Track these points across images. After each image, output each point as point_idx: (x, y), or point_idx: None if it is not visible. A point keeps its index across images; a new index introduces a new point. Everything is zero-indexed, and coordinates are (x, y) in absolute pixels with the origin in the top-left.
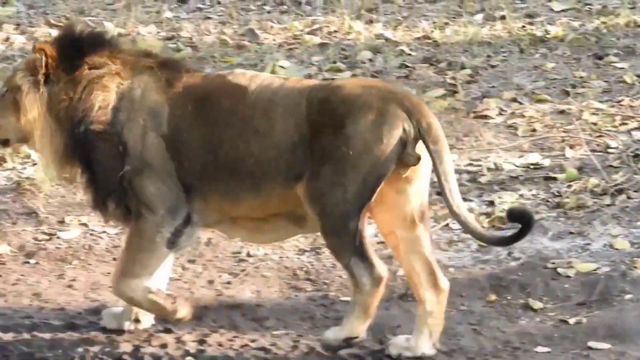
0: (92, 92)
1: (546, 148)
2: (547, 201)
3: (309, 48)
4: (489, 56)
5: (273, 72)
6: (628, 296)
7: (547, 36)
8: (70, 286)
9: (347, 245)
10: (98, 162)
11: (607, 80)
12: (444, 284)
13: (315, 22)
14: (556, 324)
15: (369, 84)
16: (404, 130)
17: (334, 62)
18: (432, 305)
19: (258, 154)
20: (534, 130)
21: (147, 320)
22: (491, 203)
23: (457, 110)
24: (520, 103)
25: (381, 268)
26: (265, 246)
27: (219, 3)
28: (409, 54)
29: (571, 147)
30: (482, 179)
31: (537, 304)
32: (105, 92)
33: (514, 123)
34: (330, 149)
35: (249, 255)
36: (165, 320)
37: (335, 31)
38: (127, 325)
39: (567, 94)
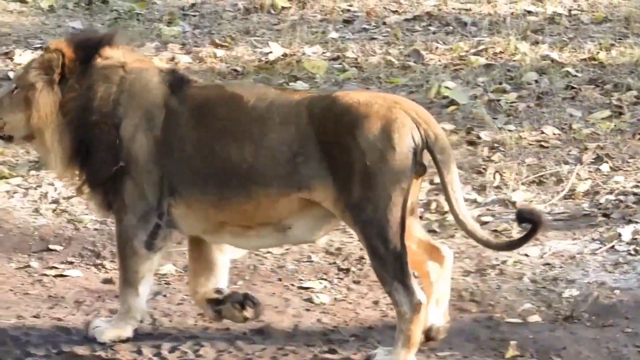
0: (96, 82)
1: None
2: None
3: (474, 69)
4: None
5: (438, 93)
6: None
7: None
8: None
9: (390, 268)
10: (95, 155)
11: None
12: (446, 251)
13: (480, 43)
14: None
15: (374, 94)
16: (414, 139)
17: (500, 83)
18: (436, 273)
19: (252, 161)
20: None
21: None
22: None
23: (622, 132)
24: None
25: (420, 295)
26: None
27: (384, 24)
28: (575, 76)
29: None
30: None
31: None
32: (108, 83)
33: None
34: (343, 160)
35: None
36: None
37: (500, 52)
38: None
39: None
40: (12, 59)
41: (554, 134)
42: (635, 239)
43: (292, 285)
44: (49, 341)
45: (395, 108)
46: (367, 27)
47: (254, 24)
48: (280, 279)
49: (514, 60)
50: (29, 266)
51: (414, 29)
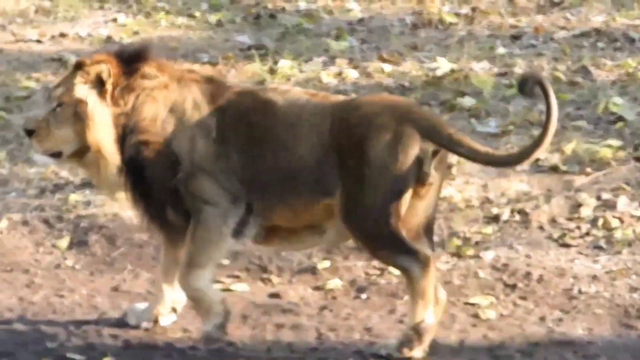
0: (143, 103)
1: None
2: None
3: None
4: None
5: (606, 109)
6: None
7: None
8: (401, 321)
9: (389, 253)
10: (150, 172)
11: None
12: (442, 294)
13: None
14: None
15: (389, 103)
16: (420, 149)
17: None
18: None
19: (285, 168)
20: None
21: (167, 319)
22: None
23: None
24: None
25: (425, 250)
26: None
27: (552, 39)
28: None
29: None
30: None
31: None
32: (154, 104)
33: None
34: (353, 169)
35: (580, 292)
36: None
37: None
38: (145, 325)
39: None
40: None
41: None
42: None
43: (458, 300)
44: (215, 355)
45: (405, 120)
46: (535, 42)
47: (422, 39)
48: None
49: None
50: None
51: (581, 45)
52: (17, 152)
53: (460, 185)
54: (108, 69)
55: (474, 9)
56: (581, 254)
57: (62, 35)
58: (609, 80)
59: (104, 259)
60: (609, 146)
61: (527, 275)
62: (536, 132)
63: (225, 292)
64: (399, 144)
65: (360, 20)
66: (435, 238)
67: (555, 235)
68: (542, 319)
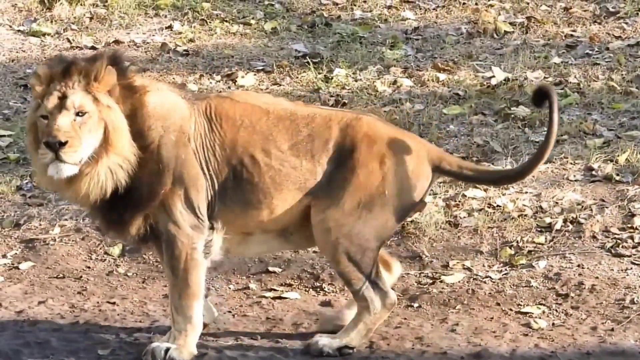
0: (135, 110)
1: None
2: None
3: None
4: None
5: None
6: None
7: None
8: (453, 330)
9: (364, 270)
10: (138, 179)
11: None
12: (395, 263)
13: None
14: None
15: (384, 131)
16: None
17: None
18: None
19: (275, 172)
20: None
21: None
22: None
23: None
24: None
25: (393, 295)
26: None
27: (607, 49)
28: None
29: None
30: None
31: None
32: (142, 109)
33: None
34: (348, 183)
35: (632, 302)
36: None
37: None
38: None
39: None
40: (234, 81)
41: None
42: None
43: (511, 309)
44: None
45: (392, 152)
46: (590, 52)
47: (477, 48)
48: (498, 304)
49: None
50: (247, 288)
51: (637, 55)
52: None
53: (514, 194)
54: (114, 77)
55: (529, 18)
56: (634, 264)
57: (117, 42)
58: None
59: (156, 266)
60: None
61: (580, 285)
62: (590, 141)
63: (277, 299)
64: (386, 172)
65: (416, 29)
66: (488, 247)
67: (608, 245)
68: (594, 328)
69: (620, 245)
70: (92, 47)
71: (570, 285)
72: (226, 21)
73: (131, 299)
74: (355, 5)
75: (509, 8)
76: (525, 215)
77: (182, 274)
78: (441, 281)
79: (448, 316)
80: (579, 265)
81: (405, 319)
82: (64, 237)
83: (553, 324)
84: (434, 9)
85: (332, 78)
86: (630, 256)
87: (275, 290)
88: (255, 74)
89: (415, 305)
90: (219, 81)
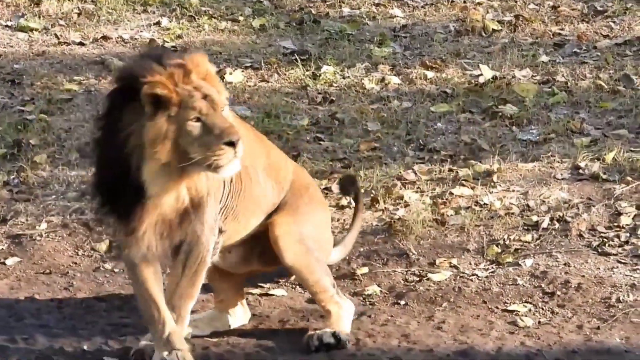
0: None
1: None
2: None
3: None
4: None
5: None
6: None
7: None
8: (439, 328)
9: (328, 282)
10: None
11: None
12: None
13: None
14: None
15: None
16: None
17: None
18: None
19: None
20: None
21: None
22: None
23: None
24: None
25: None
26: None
27: (595, 48)
28: None
29: None
30: None
31: None
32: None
33: None
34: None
35: (618, 300)
36: None
37: None
38: None
39: None
40: (222, 78)
41: None
42: None
43: (497, 307)
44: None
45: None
46: (577, 50)
47: (465, 46)
48: (485, 302)
49: None
50: None
51: (624, 54)
52: (58, 155)
53: (501, 192)
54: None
55: (517, 17)
56: (620, 262)
57: (105, 38)
58: None
59: None
60: None
61: (566, 283)
62: (577, 140)
63: (263, 296)
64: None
65: (404, 27)
66: (475, 245)
67: (595, 243)
68: (580, 327)
69: (607, 244)
70: (80, 43)
71: (556, 284)
72: (214, 18)
73: (118, 295)
74: (343, 2)
75: (497, 6)
76: (512, 213)
77: (193, 276)
78: (428, 279)
79: (434, 314)
80: (565, 264)
81: (391, 316)
82: (50, 232)
83: (539, 322)
84: (422, 7)
85: (320, 75)
86: (616, 255)
87: (261, 287)
88: (243, 71)
89: (402, 302)
90: None
